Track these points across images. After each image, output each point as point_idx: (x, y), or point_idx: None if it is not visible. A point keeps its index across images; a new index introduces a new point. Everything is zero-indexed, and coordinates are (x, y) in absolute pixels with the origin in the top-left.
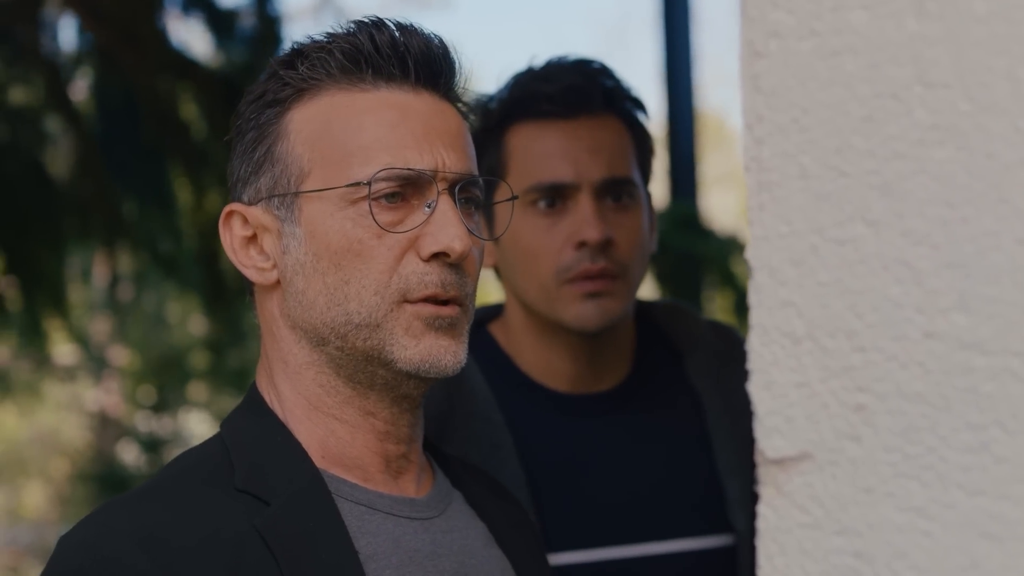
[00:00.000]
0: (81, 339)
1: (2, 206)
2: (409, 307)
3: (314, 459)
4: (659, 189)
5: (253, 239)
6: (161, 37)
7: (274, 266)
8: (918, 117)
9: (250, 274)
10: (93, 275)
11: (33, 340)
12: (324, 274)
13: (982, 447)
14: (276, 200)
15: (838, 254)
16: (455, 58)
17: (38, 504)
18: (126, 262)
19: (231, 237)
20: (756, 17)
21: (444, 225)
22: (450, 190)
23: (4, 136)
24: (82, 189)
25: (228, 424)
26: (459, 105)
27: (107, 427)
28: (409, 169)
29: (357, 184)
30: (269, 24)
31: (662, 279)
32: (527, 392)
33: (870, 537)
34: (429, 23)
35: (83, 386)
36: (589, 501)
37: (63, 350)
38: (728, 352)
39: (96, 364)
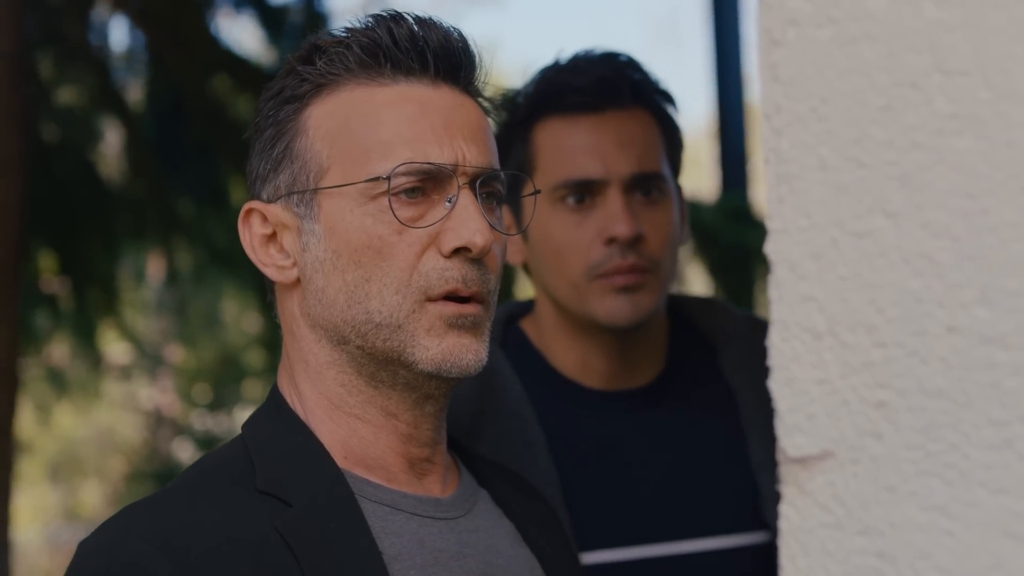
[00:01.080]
0: (135, 338)
1: (54, 206)
2: (431, 306)
3: (336, 459)
4: (710, 181)
5: (273, 237)
6: (210, 35)
7: (294, 264)
8: (937, 106)
9: (270, 272)
10: (147, 274)
11: (87, 339)
12: (344, 271)
13: (1005, 444)
14: (295, 197)
15: (858, 247)
16: (475, 51)
17: (95, 503)
18: (180, 260)
19: (250, 235)
20: (773, 5)
21: (465, 220)
22: (471, 184)
23: (55, 136)
24: (134, 188)
25: (249, 425)
26: (480, 99)
27: (162, 425)
28: (429, 163)
29: (376, 179)
30: (318, 21)
31: (713, 271)
32: (559, 389)
33: (893, 537)
34: (481, 20)
35: (138, 385)
36: (622, 499)
37: (118, 349)
38: (763, 345)
39: (151, 363)
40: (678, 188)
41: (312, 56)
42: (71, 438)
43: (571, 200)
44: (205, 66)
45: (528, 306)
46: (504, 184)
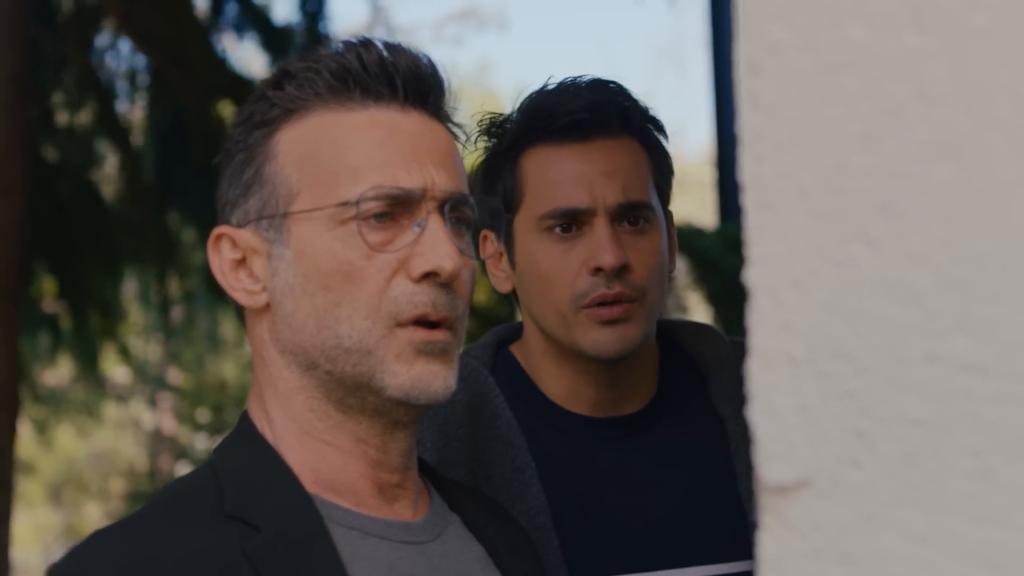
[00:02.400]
0: (135, 361)
1: (54, 228)
2: (401, 332)
3: (305, 484)
4: (709, 210)
5: (242, 262)
6: (214, 58)
7: (264, 289)
8: (917, 134)
9: (239, 297)
10: (151, 297)
11: (88, 362)
12: (313, 296)
13: (984, 473)
14: (265, 222)
15: (838, 275)
16: (444, 76)
17: (96, 523)
18: (180, 283)
19: (220, 260)
20: (754, 33)
21: (434, 244)
22: (440, 209)
23: (56, 158)
24: (135, 210)
25: (219, 451)
26: (448, 124)
27: (164, 447)
28: (398, 188)
29: (345, 204)
30: (320, 44)
31: (713, 300)
32: (550, 416)
33: (871, 566)
34: (484, 43)
35: (140, 407)
36: (612, 526)
37: (120, 371)
38: None
39: (153, 385)
40: (667, 216)
41: (282, 81)
42: (72, 459)
43: (558, 229)
44: (208, 88)
45: (517, 330)
46: (474, 209)
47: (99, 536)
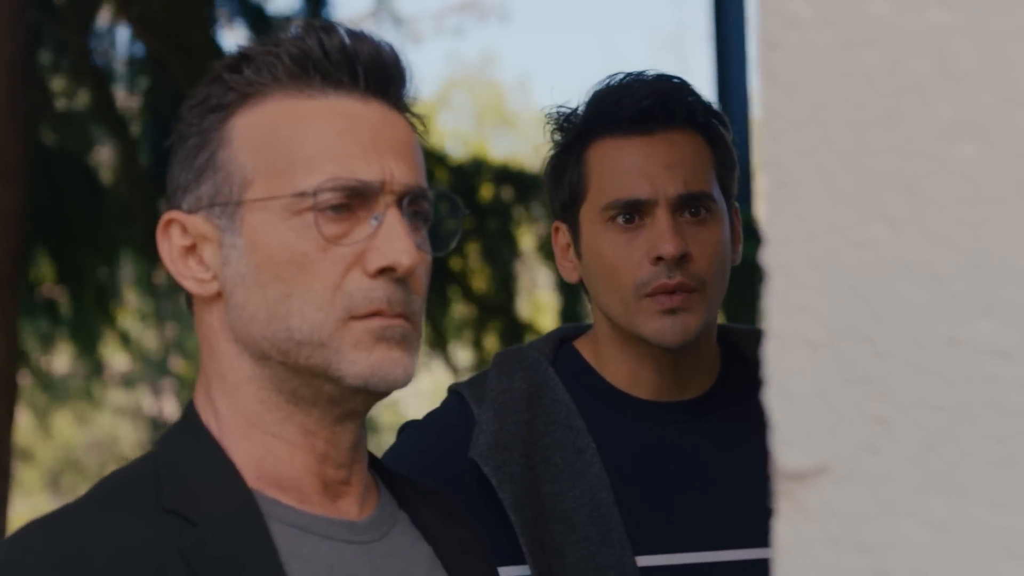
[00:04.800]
0: (135, 347)
1: (53, 214)
2: (356, 323)
3: (248, 479)
4: None
5: (192, 249)
6: (213, 46)
7: (214, 277)
8: (940, 112)
9: (188, 285)
10: (153, 284)
11: (87, 348)
12: (265, 287)
13: (1008, 460)
14: (217, 209)
15: (857, 256)
16: (406, 66)
17: None
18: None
19: (170, 247)
20: (772, 7)
21: (391, 239)
22: (398, 203)
23: (54, 143)
24: (133, 197)
25: (161, 442)
26: (407, 114)
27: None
28: (356, 180)
29: (302, 194)
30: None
31: None
32: (611, 400)
33: (890, 555)
34: (486, 33)
35: (140, 394)
36: (672, 506)
37: (119, 358)
38: None
39: (153, 372)
40: (731, 208)
41: (239, 64)
42: (71, 446)
43: (621, 220)
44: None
45: (580, 329)
46: (431, 203)
47: (31, 527)
